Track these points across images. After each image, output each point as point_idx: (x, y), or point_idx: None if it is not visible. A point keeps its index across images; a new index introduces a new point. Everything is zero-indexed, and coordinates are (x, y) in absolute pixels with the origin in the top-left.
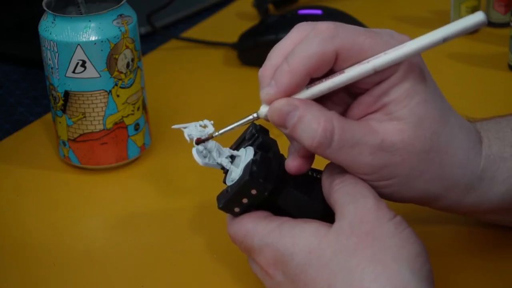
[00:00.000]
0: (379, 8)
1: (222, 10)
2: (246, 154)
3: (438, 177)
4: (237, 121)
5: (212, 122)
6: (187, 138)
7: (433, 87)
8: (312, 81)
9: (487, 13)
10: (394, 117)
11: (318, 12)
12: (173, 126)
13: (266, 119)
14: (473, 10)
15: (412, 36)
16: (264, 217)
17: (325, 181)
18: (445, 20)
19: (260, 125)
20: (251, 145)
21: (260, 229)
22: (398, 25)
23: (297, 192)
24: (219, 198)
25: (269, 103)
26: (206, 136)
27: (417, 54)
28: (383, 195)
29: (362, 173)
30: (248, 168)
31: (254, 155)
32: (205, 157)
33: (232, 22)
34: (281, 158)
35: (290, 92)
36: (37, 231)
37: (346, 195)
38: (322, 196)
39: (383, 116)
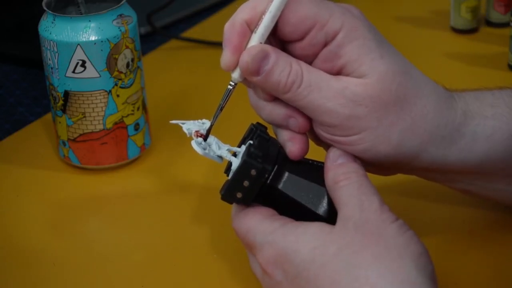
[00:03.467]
0: (379, 8)
1: (222, 10)
2: (246, 148)
3: (410, 128)
4: (221, 99)
5: (210, 121)
6: (186, 132)
7: (386, 44)
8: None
9: (487, 13)
10: (355, 75)
11: None
12: (171, 121)
13: (241, 80)
14: (473, 10)
15: (412, 37)
16: (269, 216)
17: (329, 172)
18: (445, 20)
19: (258, 122)
20: (250, 139)
21: (264, 227)
22: (398, 25)
23: (299, 178)
24: (221, 188)
25: (229, 67)
26: (205, 131)
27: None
28: (360, 152)
29: (330, 124)
30: (246, 150)
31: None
32: (204, 149)
33: None
34: (280, 147)
35: (240, 44)
36: (37, 231)
37: (351, 197)
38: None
39: (345, 76)
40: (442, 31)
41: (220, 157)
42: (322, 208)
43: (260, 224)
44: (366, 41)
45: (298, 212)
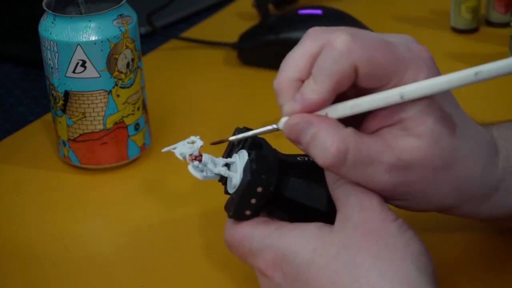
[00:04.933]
0: (379, 8)
1: (222, 10)
2: (241, 158)
3: (454, 191)
4: (255, 130)
5: (198, 136)
6: (180, 157)
7: (450, 100)
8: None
9: (487, 13)
10: (411, 133)
11: (318, 12)
12: (163, 150)
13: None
14: (473, 10)
15: (412, 37)
16: (263, 222)
17: (329, 173)
18: (445, 20)
19: (244, 126)
20: (242, 148)
21: (259, 232)
22: (398, 25)
23: (302, 180)
24: (227, 207)
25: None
26: (197, 151)
27: (447, 91)
28: (397, 207)
29: (379, 190)
30: (248, 168)
31: (249, 155)
32: (202, 171)
33: (232, 22)
34: (275, 152)
35: (316, 109)
36: (37, 231)
37: (350, 196)
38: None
39: (400, 131)
40: (442, 31)
41: (219, 174)
42: (326, 206)
43: (255, 230)
44: (434, 100)
45: (303, 213)
